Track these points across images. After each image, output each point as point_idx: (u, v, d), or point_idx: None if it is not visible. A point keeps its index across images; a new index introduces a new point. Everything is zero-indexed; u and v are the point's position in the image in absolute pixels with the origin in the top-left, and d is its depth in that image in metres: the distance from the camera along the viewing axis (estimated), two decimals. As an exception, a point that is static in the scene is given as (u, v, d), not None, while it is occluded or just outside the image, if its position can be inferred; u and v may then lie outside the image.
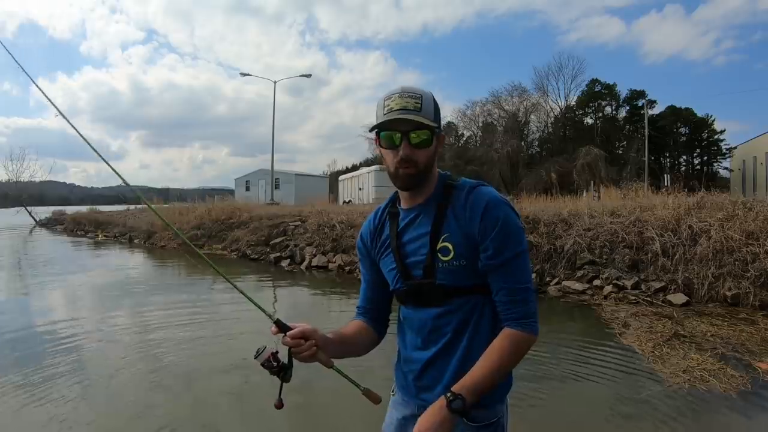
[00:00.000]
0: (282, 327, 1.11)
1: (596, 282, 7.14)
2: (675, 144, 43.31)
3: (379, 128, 1.15)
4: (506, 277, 1.11)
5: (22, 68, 1.47)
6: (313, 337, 1.11)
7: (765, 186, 24.98)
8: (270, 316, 1.14)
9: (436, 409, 1.05)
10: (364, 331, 1.30)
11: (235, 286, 1.29)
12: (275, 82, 27.62)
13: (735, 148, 36.04)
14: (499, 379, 1.11)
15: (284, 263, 11.16)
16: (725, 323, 5.31)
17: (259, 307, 1.24)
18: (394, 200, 1.28)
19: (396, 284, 1.23)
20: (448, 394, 1.05)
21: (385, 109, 1.12)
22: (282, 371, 1.11)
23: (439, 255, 1.14)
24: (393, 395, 1.33)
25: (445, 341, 1.17)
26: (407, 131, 1.11)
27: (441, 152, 1.22)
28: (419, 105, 1.10)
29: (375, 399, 1.20)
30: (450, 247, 1.13)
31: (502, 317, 1.13)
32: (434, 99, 1.16)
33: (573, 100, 42.88)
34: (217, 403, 3.50)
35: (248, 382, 3.74)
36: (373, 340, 1.32)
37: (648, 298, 6.47)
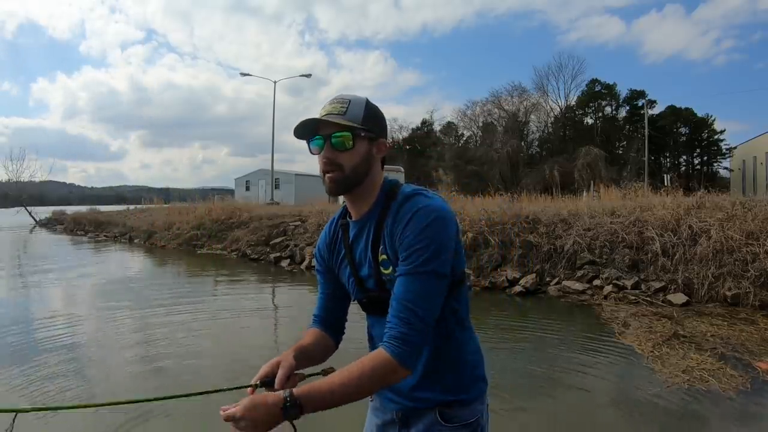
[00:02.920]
0: (268, 384, 1.08)
1: (596, 282, 7.14)
2: (675, 144, 43.28)
3: (305, 136, 1.15)
4: (402, 291, 1.03)
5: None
6: (290, 371, 1.09)
7: (765, 186, 24.98)
8: (254, 386, 1.10)
9: (269, 402, 0.94)
10: (322, 340, 1.28)
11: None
12: (275, 82, 27.66)
13: (735, 148, 36.05)
14: (354, 399, 1.01)
15: (284, 263, 11.16)
16: (725, 323, 5.31)
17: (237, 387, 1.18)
18: (345, 212, 1.26)
19: (356, 295, 1.23)
20: (288, 398, 0.94)
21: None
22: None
23: (382, 269, 1.13)
24: (371, 400, 1.31)
25: None
26: (329, 134, 1.10)
27: (378, 158, 1.17)
28: (344, 109, 1.11)
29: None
30: (387, 259, 1.11)
31: (384, 332, 1.05)
32: (369, 104, 1.14)
33: (573, 100, 42.96)
34: (219, 399, 3.50)
35: (249, 375, 3.75)
36: (330, 348, 1.30)
37: (648, 298, 6.48)
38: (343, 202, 1.25)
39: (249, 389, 1.08)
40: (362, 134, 1.12)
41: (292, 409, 0.94)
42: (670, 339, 4.78)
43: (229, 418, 0.93)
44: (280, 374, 1.07)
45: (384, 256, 1.12)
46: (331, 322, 1.31)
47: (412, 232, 1.05)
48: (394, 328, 1.02)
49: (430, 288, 1.03)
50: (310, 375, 1.18)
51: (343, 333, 1.34)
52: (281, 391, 0.97)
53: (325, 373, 1.17)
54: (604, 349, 4.71)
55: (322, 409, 0.97)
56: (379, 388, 1.06)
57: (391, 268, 1.11)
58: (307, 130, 1.14)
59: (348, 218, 1.24)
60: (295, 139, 1.16)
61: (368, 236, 1.16)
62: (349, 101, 1.13)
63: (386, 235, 1.11)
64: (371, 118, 1.14)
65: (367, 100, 1.15)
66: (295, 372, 1.12)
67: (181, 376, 4.04)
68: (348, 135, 1.10)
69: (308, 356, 1.20)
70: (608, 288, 6.88)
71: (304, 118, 1.12)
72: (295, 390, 0.96)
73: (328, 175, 1.12)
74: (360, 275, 1.19)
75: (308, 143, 1.16)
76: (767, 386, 3.62)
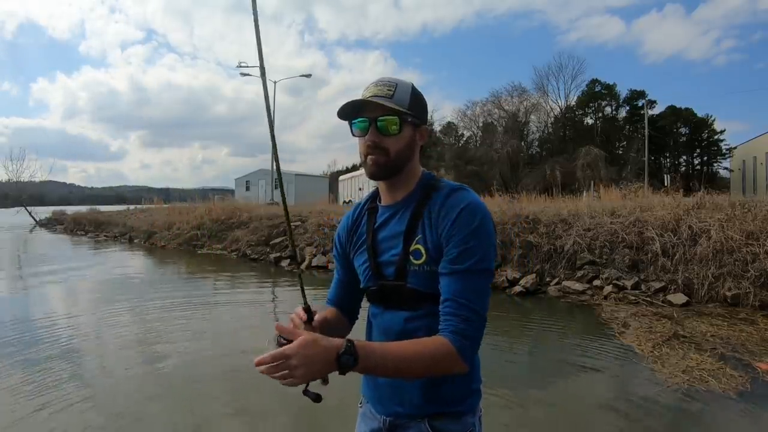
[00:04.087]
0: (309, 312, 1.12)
1: (596, 282, 7.14)
2: (675, 144, 43.33)
3: (348, 117, 1.12)
4: (457, 289, 1.02)
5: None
6: (323, 321, 1.14)
7: (765, 186, 24.97)
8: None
9: (327, 344, 0.90)
10: (340, 318, 1.28)
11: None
12: (275, 83, 27.64)
13: (735, 148, 36.07)
14: (401, 376, 1.01)
15: (284, 263, 11.16)
16: (725, 323, 5.32)
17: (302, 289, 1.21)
18: (375, 196, 1.23)
19: (367, 282, 1.19)
20: (348, 345, 0.91)
21: (361, 98, 1.09)
22: None
23: (411, 258, 1.09)
24: (360, 407, 1.28)
25: None
26: (375, 117, 1.07)
27: (421, 145, 1.16)
28: (391, 92, 1.07)
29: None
30: (422, 250, 1.08)
31: (440, 327, 1.02)
32: (414, 89, 1.12)
33: (573, 100, 43.00)
34: (217, 398, 3.51)
35: (248, 377, 3.76)
36: (345, 327, 1.29)
37: (648, 298, 6.48)
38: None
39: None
40: (409, 120, 1.09)
41: (348, 356, 0.90)
42: (670, 339, 4.79)
43: (279, 357, 0.86)
44: (319, 315, 1.11)
45: (418, 246, 1.08)
46: (346, 307, 1.30)
47: (462, 230, 1.03)
48: (454, 324, 1.00)
49: (483, 285, 1.04)
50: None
51: (357, 315, 1.33)
52: (340, 339, 0.93)
53: (314, 398, 1.04)
54: (604, 349, 4.71)
55: (371, 372, 0.96)
56: (432, 375, 1.03)
57: (422, 258, 1.08)
58: (349, 110, 1.10)
59: (378, 202, 1.21)
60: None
61: (401, 223, 1.13)
62: (396, 84, 1.09)
63: (426, 226, 1.09)
64: (417, 104, 1.11)
65: (413, 84, 1.12)
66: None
67: (179, 373, 4.05)
68: (395, 119, 1.07)
69: (329, 328, 1.18)
70: (608, 288, 6.88)
71: (347, 101, 1.08)
72: (358, 342, 0.93)
73: (371, 157, 1.09)
74: (378, 261, 1.15)
75: (350, 125, 1.12)
76: (767, 386, 3.62)
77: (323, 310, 1.24)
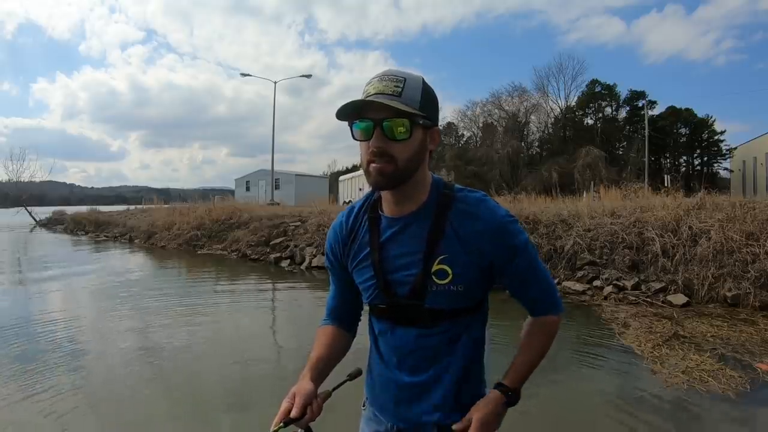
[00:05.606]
0: (292, 422, 0.98)
1: (596, 282, 7.15)
2: (675, 144, 43.31)
3: (349, 117, 0.97)
4: (531, 286, 1.09)
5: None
6: (309, 398, 1.01)
7: (765, 187, 24.97)
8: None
9: (494, 402, 1.04)
10: (336, 337, 1.19)
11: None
12: (275, 83, 27.63)
13: (735, 148, 36.07)
14: (539, 364, 1.15)
15: (284, 263, 11.16)
16: (725, 324, 5.31)
17: None
18: (374, 202, 1.10)
19: (372, 299, 1.09)
20: (508, 392, 1.05)
21: (363, 95, 0.95)
22: None
23: (434, 278, 1.00)
24: (364, 410, 1.22)
25: (426, 364, 1.07)
26: (380, 119, 0.93)
27: (433, 149, 1.03)
28: (399, 89, 0.93)
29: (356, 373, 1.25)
30: (448, 270, 1.00)
31: (530, 310, 1.14)
32: (425, 85, 0.98)
33: (573, 101, 42.99)
34: (215, 397, 3.51)
35: (245, 378, 3.77)
36: (348, 340, 1.23)
37: (648, 299, 6.48)
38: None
39: None
40: (420, 122, 0.95)
41: (511, 398, 1.06)
42: (670, 339, 4.79)
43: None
44: (299, 404, 0.98)
45: (443, 266, 1.00)
46: (346, 316, 1.24)
47: (506, 253, 1.02)
48: (546, 300, 1.12)
49: (541, 269, 1.10)
50: (335, 388, 1.13)
51: (359, 321, 1.27)
52: (496, 391, 1.05)
53: (352, 377, 1.21)
54: (604, 349, 4.71)
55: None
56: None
57: (448, 278, 1.00)
58: (349, 110, 0.95)
59: (380, 212, 1.08)
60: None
61: (417, 239, 1.02)
62: (405, 79, 0.94)
63: (451, 243, 1.00)
64: (428, 102, 0.97)
65: (423, 79, 0.98)
66: (318, 393, 1.05)
67: (179, 371, 4.05)
68: (404, 122, 0.93)
69: (327, 364, 1.13)
70: (608, 289, 6.88)
71: (347, 101, 0.94)
72: (506, 382, 1.06)
73: (374, 165, 0.95)
74: (390, 279, 1.04)
75: (350, 126, 0.98)
76: (767, 387, 3.62)
77: (314, 351, 1.16)
